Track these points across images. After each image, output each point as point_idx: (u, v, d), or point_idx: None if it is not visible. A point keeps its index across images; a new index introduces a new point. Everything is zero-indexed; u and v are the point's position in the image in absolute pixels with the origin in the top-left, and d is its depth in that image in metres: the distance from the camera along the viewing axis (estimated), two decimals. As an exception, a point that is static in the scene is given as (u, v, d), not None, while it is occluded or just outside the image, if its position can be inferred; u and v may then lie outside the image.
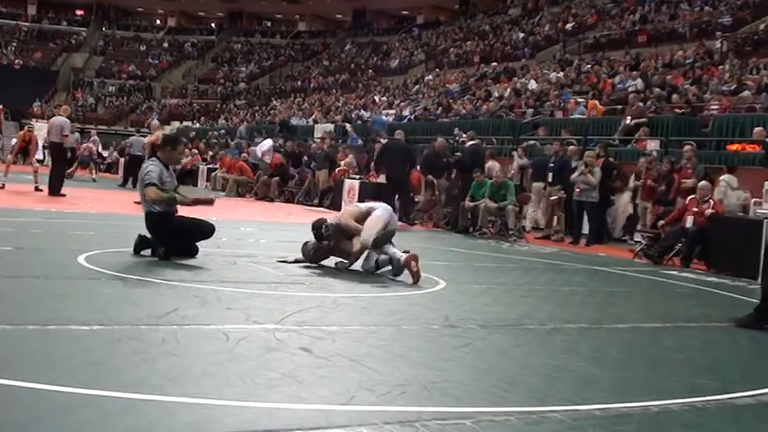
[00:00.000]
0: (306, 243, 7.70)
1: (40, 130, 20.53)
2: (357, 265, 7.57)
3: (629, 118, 16.82)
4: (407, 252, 7.27)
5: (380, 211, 7.50)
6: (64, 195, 14.80)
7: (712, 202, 11.00)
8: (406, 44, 43.03)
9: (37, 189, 15.54)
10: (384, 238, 7.30)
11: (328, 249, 7.62)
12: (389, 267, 7.34)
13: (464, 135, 18.11)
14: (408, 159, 15.46)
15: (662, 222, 11.76)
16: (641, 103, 17.55)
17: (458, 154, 15.65)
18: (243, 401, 3.15)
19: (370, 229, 7.30)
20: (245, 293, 5.80)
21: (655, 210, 12.74)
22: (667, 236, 11.40)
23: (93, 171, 24.68)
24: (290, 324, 4.75)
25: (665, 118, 16.84)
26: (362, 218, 7.47)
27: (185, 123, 42.43)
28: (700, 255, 11.14)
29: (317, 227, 7.50)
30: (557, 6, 35.11)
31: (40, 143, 18.66)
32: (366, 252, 7.48)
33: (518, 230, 13.65)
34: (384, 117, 27.15)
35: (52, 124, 15.71)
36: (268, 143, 21.58)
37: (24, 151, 17.37)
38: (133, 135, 27.06)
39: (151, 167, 7.49)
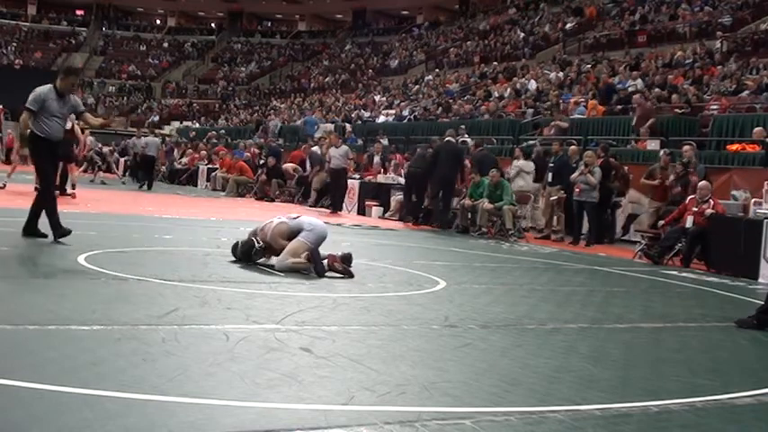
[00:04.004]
0: (236, 245, 7.53)
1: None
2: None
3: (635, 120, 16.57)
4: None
5: (306, 234, 7.16)
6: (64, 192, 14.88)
7: (712, 202, 10.99)
8: (406, 44, 43.02)
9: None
10: (321, 262, 7.04)
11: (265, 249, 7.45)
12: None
13: (466, 136, 18.12)
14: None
15: (662, 222, 11.75)
16: (646, 102, 17.31)
17: (429, 150, 15.52)
18: (243, 401, 3.15)
19: (292, 252, 7.06)
20: (245, 293, 5.80)
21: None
22: (667, 236, 11.40)
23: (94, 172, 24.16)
24: (290, 324, 4.75)
25: (665, 118, 16.83)
26: (291, 236, 7.22)
27: (185, 123, 42.40)
28: (700, 255, 11.14)
29: (248, 251, 7.35)
30: (557, 6, 35.11)
31: None
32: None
33: (518, 230, 13.64)
34: (316, 117, 26.93)
35: None
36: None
37: (25, 151, 17.36)
38: (134, 135, 26.85)
39: (38, 91, 7.55)
